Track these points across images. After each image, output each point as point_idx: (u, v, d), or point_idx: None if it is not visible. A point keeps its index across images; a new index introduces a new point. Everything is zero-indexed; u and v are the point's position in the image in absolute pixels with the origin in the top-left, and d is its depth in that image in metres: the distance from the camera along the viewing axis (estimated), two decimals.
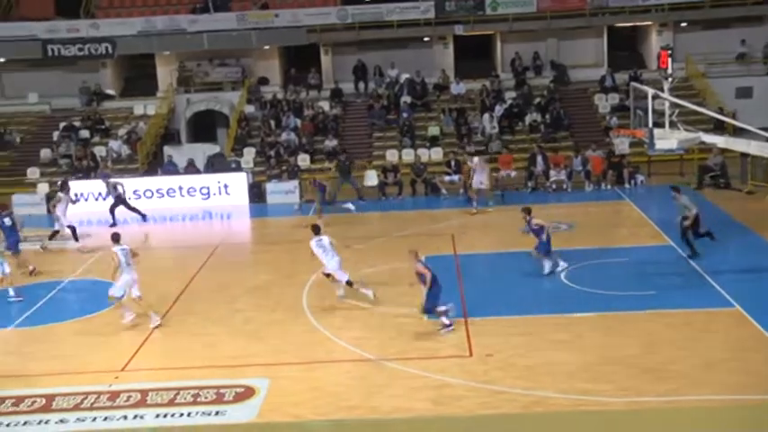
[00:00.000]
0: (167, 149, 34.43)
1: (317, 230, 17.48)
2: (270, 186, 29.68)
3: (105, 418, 12.69)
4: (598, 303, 16.65)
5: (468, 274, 19.14)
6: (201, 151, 33.62)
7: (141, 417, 12.69)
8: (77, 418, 12.74)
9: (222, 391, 13.35)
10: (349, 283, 17.30)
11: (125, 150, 34.28)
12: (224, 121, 37.09)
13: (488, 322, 15.95)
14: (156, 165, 33.58)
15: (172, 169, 31.95)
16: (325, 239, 17.25)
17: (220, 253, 22.74)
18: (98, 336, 16.48)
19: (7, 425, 12.67)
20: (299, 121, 35.11)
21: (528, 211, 18.84)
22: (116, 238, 17.27)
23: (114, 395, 13.46)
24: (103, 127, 36.05)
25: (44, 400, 13.38)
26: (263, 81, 38.66)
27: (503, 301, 17.08)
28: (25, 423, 12.67)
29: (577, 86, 37.19)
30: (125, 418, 12.69)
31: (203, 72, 38.23)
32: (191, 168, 31.44)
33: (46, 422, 12.68)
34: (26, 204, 29.07)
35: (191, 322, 17.00)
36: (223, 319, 17.06)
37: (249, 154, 33.58)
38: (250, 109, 36.59)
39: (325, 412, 12.53)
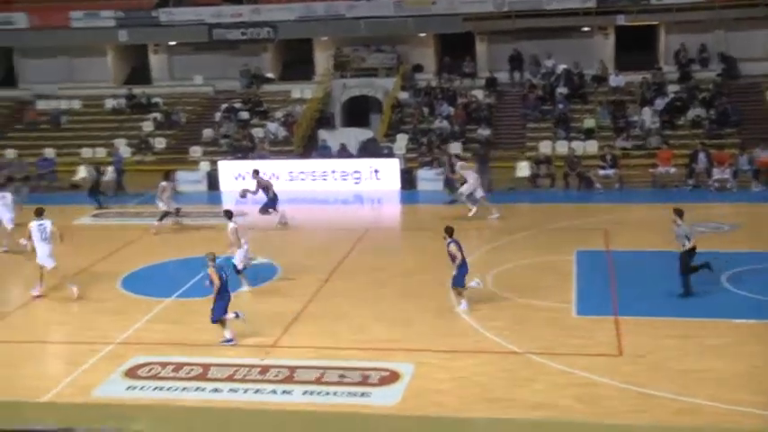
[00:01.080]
0: (322, 133, 35.27)
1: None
2: (421, 173, 29.92)
3: (256, 391, 13.23)
4: (762, 310, 15.90)
5: (621, 271, 18.69)
6: (354, 136, 34.24)
7: (289, 392, 13.15)
8: (230, 389, 13.34)
9: (367, 373, 13.64)
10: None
11: (281, 132, 35.35)
12: (378, 106, 37.60)
13: (641, 322, 15.54)
14: (310, 147, 34.47)
15: (325, 152, 32.74)
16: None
17: (370, 237, 23.15)
18: (250, 312, 17.12)
19: (168, 389, 13.42)
20: (452, 110, 35.16)
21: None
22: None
23: (264, 370, 14.00)
24: (262, 109, 37.29)
25: (201, 369, 14.09)
26: (418, 68, 38.91)
27: (657, 302, 16.57)
28: (183, 389, 13.39)
29: (748, 81, 35.42)
30: (274, 392, 13.19)
31: (359, 57, 38.87)
32: (343, 152, 32.11)
33: (202, 390, 13.34)
34: (188, 181, 30.50)
35: (339, 304, 17.42)
36: (370, 303, 17.38)
37: (402, 140, 33.92)
38: (404, 95, 36.93)
39: (468, 403, 12.58)
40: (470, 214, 24.03)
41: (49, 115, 37.79)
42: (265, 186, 24.58)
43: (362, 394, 12.97)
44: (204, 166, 32.14)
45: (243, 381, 13.62)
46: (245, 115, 36.78)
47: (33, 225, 18.35)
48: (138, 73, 41.41)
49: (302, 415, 12.15)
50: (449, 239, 16.52)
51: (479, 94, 36.44)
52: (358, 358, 14.29)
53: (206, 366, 14.19)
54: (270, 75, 40.10)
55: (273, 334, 15.69)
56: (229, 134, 35.18)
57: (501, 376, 13.51)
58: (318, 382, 13.43)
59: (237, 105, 37.34)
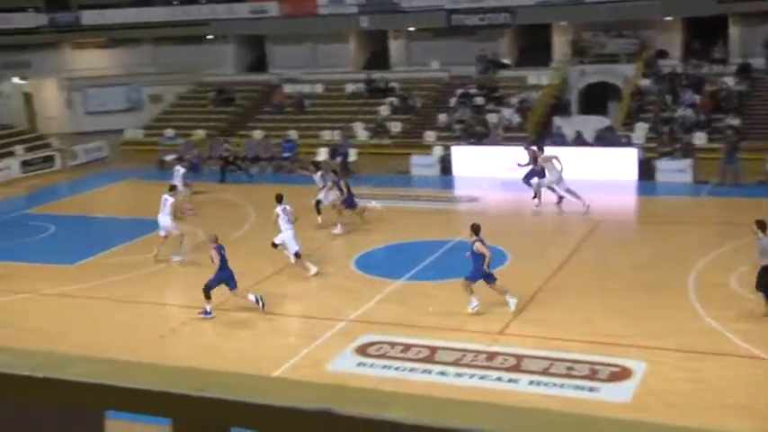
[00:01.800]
0: (557, 120, 34.62)
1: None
2: (660, 164, 28.61)
3: (482, 377, 13.26)
4: None
5: None
6: (591, 124, 33.31)
7: (515, 381, 13.06)
8: (456, 373, 13.46)
9: (596, 368, 13.26)
10: None
11: (516, 119, 35.10)
12: (616, 94, 36.35)
13: None
14: (544, 134, 33.95)
15: (559, 140, 32.11)
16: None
17: (603, 228, 22.48)
18: (479, 298, 17.16)
19: (396, 368, 13.76)
20: (697, 97, 33.31)
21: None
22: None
23: (491, 356, 13.98)
24: (497, 95, 37.20)
25: (428, 352, 14.31)
26: (662, 54, 37.17)
27: None
28: (411, 370, 13.67)
29: None
30: (500, 380, 13.14)
31: (599, 43, 37.73)
32: (579, 140, 31.34)
33: (429, 372, 13.57)
34: (421, 165, 31.04)
35: (568, 294, 17.05)
36: (600, 295, 16.88)
37: (641, 129, 32.58)
38: (645, 82, 35.43)
39: (703, 407, 11.91)
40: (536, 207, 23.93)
41: (294, 98, 39.82)
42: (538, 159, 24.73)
43: (591, 389, 12.63)
44: (438, 150, 32.56)
45: (469, 366, 13.69)
46: (479, 101, 36.85)
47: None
48: (377, 58, 42.63)
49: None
50: (474, 237, 16.01)
51: (730, 80, 34.24)
52: (586, 351, 13.93)
53: (433, 349, 14.39)
54: (506, 60, 39.91)
55: (501, 321, 15.63)
56: (464, 119, 35.42)
57: (741, 382, 12.67)
58: (545, 373, 13.23)
59: (472, 91, 37.48)
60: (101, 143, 37.07)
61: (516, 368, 13.47)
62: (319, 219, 23.19)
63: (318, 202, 23.42)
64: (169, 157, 33.40)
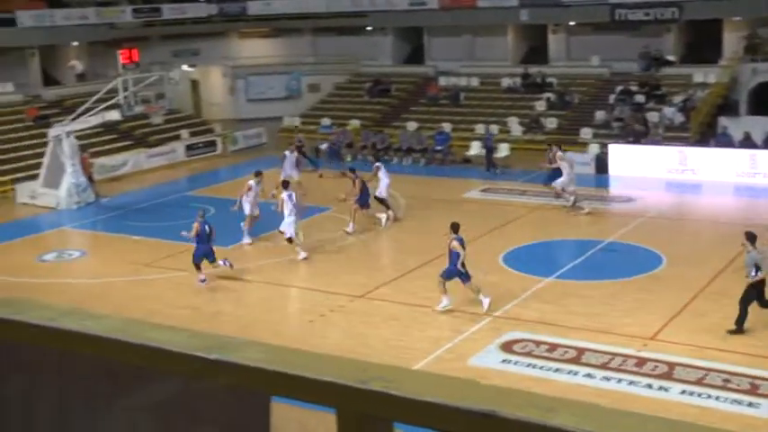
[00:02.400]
0: (723, 120, 33.07)
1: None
2: None
3: (630, 383, 12.90)
4: None
5: None
6: (761, 125, 31.65)
7: (666, 389, 12.62)
8: (604, 377, 13.14)
9: (758, 382, 12.62)
10: None
11: (678, 118, 33.79)
12: None
13: None
14: (708, 135, 32.53)
15: (725, 141, 30.68)
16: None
17: None
18: (630, 301, 16.69)
19: (540, 367, 13.58)
20: None
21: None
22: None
23: (641, 362, 13.57)
24: (659, 93, 35.91)
25: (575, 353, 14.05)
26: None
27: None
28: (556, 370, 13.46)
29: None
30: (650, 386, 12.75)
31: None
32: (746, 142, 29.85)
33: (574, 373, 13.32)
34: (576, 163, 30.34)
35: (727, 303, 16.27)
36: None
37: None
38: None
39: None
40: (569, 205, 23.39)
41: (450, 91, 39.83)
42: None
43: (750, 404, 12.05)
44: (594, 148, 31.80)
45: (617, 370, 13.34)
46: (640, 98, 35.70)
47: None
48: (535, 53, 42.02)
49: None
50: (452, 236, 16.10)
51: None
52: (746, 364, 13.28)
53: (580, 350, 14.11)
54: (670, 57, 38.43)
55: (653, 326, 15.14)
56: (622, 117, 34.42)
57: None
58: (699, 383, 12.72)
59: (633, 88, 36.35)
60: (260, 130, 38.34)
61: (668, 376, 13.01)
62: (390, 212, 23.25)
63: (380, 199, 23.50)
64: (324, 145, 34.18)
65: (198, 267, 18.68)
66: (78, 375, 1.87)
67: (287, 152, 27.92)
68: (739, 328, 14.51)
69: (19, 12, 37.41)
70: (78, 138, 28.49)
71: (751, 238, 14.79)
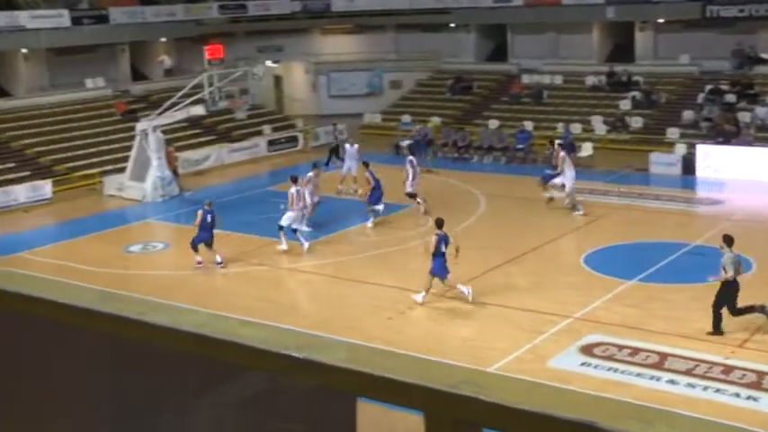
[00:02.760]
0: None
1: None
2: None
3: (717, 391, 12.57)
4: None
5: None
6: None
7: (755, 399, 12.27)
8: (688, 383, 12.84)
9: None
10: None
11: None
12: None
13: None
14: None
15: None
16: None
17: None
18: (708, 305, 16.28)
19: (621, 371, 13.34)
20: None
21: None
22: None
23: (728, 370, 13.21)
24: (752, 92, 34.84)
25: (657, 358, 13.75)
26: None
27: None
28: (638, 375, 13.20)
29: None
30: (737, 396, 12.40)
31: None
32: None
33: (657, 379, 13.04)
34: (661, 164, 29.75)
35: None
36: None
37: None
38: None
39: None
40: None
41: (532, 89, 39.41)
42: None
43: None
44: (680, 149, 31.06)
45: (703, 377, 13.02)
46: (731, 98, 34.70)
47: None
48: (621, 50, 41.23)
49: None
50: (437, 231, 16.75)
51: None
52: None
53: (664, 356, 13.81)
54: (765, 55, 37.22)
55: (741, 332, 14.71)
56: (711, 117, 33.52)
57: None
58: None
59: (724, 87, 35.35)
60: (341, 126, 38.58)
61: (757, 385, 12.63)
62: (422, 208, 23.51)
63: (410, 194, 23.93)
64: (404, 142, 34.20)
65: (195, 249, 19.76)
66: (167, 370, 1.90)
67: (347, 145, 28.18)
68: (716, 331, 14.54)
69: (112, 9, 38.49)
70: (164, 132, 29.15)
71: (727, 240, 15.02)
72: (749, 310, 14.59)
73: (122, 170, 29.18)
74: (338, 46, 46.75)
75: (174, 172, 28.74)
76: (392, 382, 1.43)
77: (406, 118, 38.88)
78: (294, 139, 36.79)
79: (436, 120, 38.01)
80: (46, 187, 27.83)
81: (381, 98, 43.97)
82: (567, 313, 15.97)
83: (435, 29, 44.57)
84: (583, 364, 13.70)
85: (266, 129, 37.47)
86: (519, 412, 1.30)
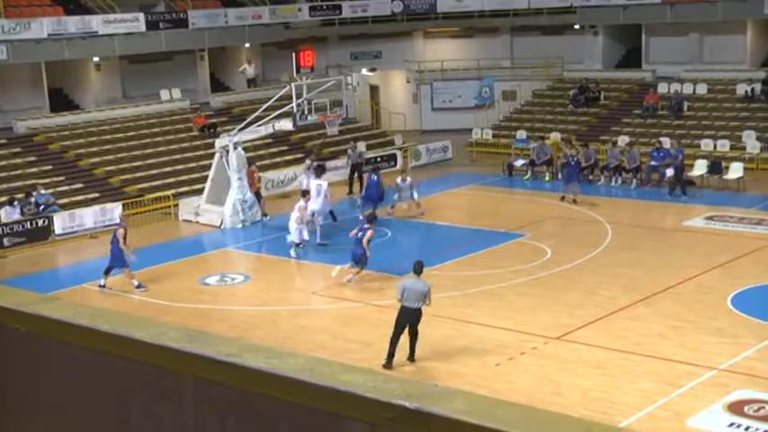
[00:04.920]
0: None
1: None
2: None
3: None
4: None
5: None
6: None
7: None
8: None
9: None
10: None
11: None
12: None
13: None
14: None
15: None
16: None
17: None
18: None
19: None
20: None
21: None
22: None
23: None
24: None
25: None
26: None
27: None
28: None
29: None
30: None
31: None
32: None
33: None
34: None
35: None
36: None
37: None
38: None
39: None
40: None
41: (671, 100, 38.73)
42: None
43: None
44: None
45: None
46: None
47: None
48: None
49: None
50: (367, 225, 21.16)
51: None
52: None
53: None
54: None
55: None
56: None
57: None
58: None
59: None
60: (446, 143, 38.69)
61: None
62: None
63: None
64: (519, 163, 34.05)
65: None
66: (257, 418, 1.95)
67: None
68: None
69: (191, 12, 39.52)
70: (246, 149, 29.72)
71: None
72: None
73: (199, 192, 29.87)
74: (443, 52, 46.97)
75: (257, 194, 29.27)
76: None
77: (522, 134, 38.73)
78: (392, 158, 37.04)
79: (556, 136, 37.72)
80: (116, 211, 28.66)
81: (492, 111, 43.93)
82: (711, 364, 15.56)
83: (556, 31, 44.36)
84: (731, 425, 13.31)
85: (361, 146, 37.86)
86: None
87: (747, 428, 13.18)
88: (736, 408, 13.84)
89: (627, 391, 14.78)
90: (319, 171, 27.68)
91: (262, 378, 1.80)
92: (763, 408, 13.80)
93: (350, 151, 33.69)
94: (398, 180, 28.38)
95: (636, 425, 13.14)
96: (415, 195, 27.97)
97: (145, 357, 2.04)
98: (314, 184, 26.30)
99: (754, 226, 25.54)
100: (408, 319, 16.15)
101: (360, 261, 21.10)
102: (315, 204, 25.24)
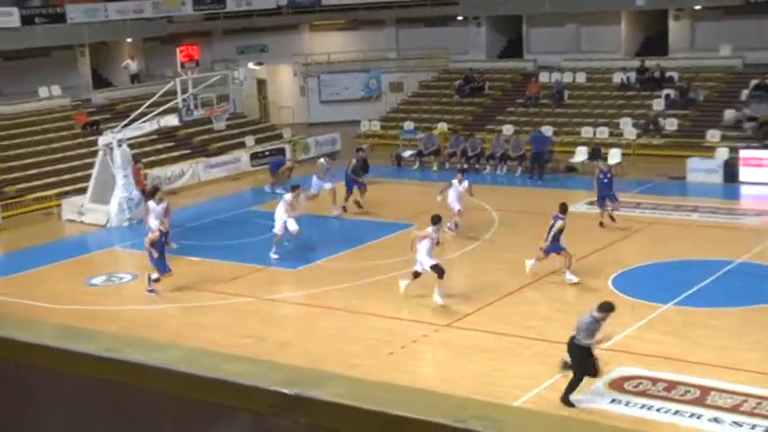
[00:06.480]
0: None
1: None
2: None
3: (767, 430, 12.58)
4: None
5: None
6: None
7: None
8: (734, 422, 12.88)
9: None
10: None
11: None
12: None
13: None
14: None
15: None
16: None
17: None
18: (765, 332, 16.33)
19: (657, 409, 13.36)
20: None
21: None
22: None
23: None
24: None
25: (698, 393, 13.79)
26: None
27: None
28: (676, 413, 13.22)
29: None
30: None
31: None
32: None
33: (698, 417, 13.08)
34: (700, 170, 29.84)
35: None
36: None
37: None
38: None
39: None
40: None
41: (552, 89, 39.55)
42: None
43: None
44: (722, 153, 31.19)
45: (751, 414, 13.06)
46: None
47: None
48: (653, 43, 41.46)
49: None
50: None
51: None
52: None
53: (705, 390, 13.86)
54: None
55: None
56: (757, 116, 33.65)
57: None
58: None
59: None
60: (334, 135, 38.71)
61: None
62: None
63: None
64: (408, 153, 34.33)
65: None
66: (139, 413, 1.94)
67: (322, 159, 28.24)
68: None
69: (69, 6, 38.56)
70: (131, 146, 29.21)
71: None
72: None
73: (83, 191, 29.20)
74: (330, 44, 46.95)
75: (143, 192, 28.81)
76: (394, 418, 1.47)
77: (409, 125, 39.03)
78: (281, 152, 36.88)
79: (443, 126, 38.15)
80: None
81: (380, 103, 44.12)
82: None
83: (441, 23, 44.83)
84: (613, 401, 13.73)
85: (249, 140, 37.60)
86: None
87: (628, 403, 13.61)
88: (617, 385, 14.28)
89: (515, 374, 15.09)
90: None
91: (144, 372, 1.80)
92: (642, 383, 14.26)
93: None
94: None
95: (523, 406, 13.41)
96: (327, 186, 27.43)
97: (22, 359, 2.01)
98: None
99: (632, 209, 26.31)
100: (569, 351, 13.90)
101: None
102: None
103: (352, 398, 1.53)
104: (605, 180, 24.14)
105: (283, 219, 22.59)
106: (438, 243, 19.40)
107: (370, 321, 18.33)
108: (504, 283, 19.84)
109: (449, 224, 23.07)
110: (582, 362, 13.61)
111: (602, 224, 23.90)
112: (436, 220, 19.06)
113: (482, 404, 1.46)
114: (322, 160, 28.24)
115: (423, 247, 18.58)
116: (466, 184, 24.23)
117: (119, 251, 25.71)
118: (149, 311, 19.89)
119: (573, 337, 13.74)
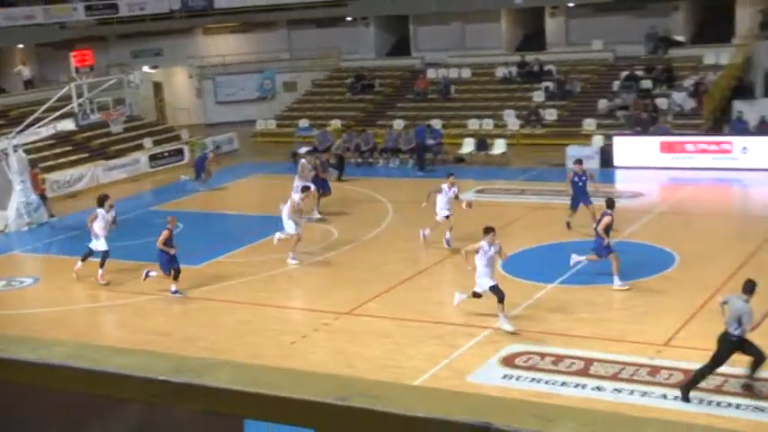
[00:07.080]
0: (737, 104, 33.29)
1: None
2: None
3: (644, 394, 12.99)
4: None
5: None
6: None
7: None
8: (614, 389, 13.23)
9: None
10: None
11: (689, 104, 33.99)
12: None
13: None
14: (722, 121, 32.75)
15: (740, 127, 30.91)
16: None
17: None
18: (642, 305, 16.83)
19: (546, 382, 13.65)
20: None
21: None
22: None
23: (654, 370, 13.68)
24: (668, 77, 36.12)
25: (582, 364, 14.14)
26: None
27: None
28: (563, 384, 13.53)
29: None
30: (664, 397, 12.85)
31: None
32: (763, 126, 30.08)
33: (583, 386, 13.39)
34: (579, 157, 30.46)
35: None
36: None
37: None
38: None
39: None
40: None
41: (439, 84, 39.91)
42: None
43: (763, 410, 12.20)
44: (597, 140, 31.98)
45: (629, 380, 13.46)
46: (647, 84, 35.91)
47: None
48: (532, 39, 42.21)
49: None
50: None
51: None
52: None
53: (588, 361, 14.21)
54: (679, 38, 38.66)
55: (667, 331, 15.25)
56: (627, 105, 34.60)
57: None
58: (718, 391, 12.82)
59: (639, 73, 36.55)
60: (231, 135, 38.33)
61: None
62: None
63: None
64: (303, 150, 34.17)
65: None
66: (29, 409, 1.88)
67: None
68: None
69: None
70: (27, 152, 28.41)
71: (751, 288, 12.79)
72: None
73: None
74: (224, 47, 46.43)
75: (42, 196, 28.01)
76: (279, 400, 1.46)
77: (304, 123, 38.89)
78: (179, 153, 36.33)
79: (336, 123, 38.12)
80: None
81: (274, 102, 43.87)
82: (485, 324, 16.21)
83: (331, 23, 44.75)
84: (505, 376, 13.96)
85: (147, 142, 36.91)
86: (415, 420, 1.35)
87: (519, 377, 13.86)
88: (509, 361, 14.53)
89: (413, 356, 15.18)
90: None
91: (30, 369, 1.74)
92: (531, 358, 14.55)
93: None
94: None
95: (422, 385, 13.52)
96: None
97: None
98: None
99: (517, 196, 26.79)
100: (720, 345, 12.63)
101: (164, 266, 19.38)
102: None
103: (239, 383, 1.51)
104: (580, 183, 22.29)
105: (292, 219, 21.26)
106: (502, 256, 16.68)
107: (273, 313, 18.22)
108: (399, 272, 19.92)
109: (446, 237, 21.32)
110: (725, 354, 12.50)
111: (569, 225, 22.33)
112: (488, 230, 16.41)
113: (365, 382, 1.46)
114: (304, 161, 27.33)
115: (479, 263, 16.25)
116: (456, 189, 21.71)
117: (18, 255, 24.94)
118: (52, 313, 19.33)
119: (727, 333, 12.41)
